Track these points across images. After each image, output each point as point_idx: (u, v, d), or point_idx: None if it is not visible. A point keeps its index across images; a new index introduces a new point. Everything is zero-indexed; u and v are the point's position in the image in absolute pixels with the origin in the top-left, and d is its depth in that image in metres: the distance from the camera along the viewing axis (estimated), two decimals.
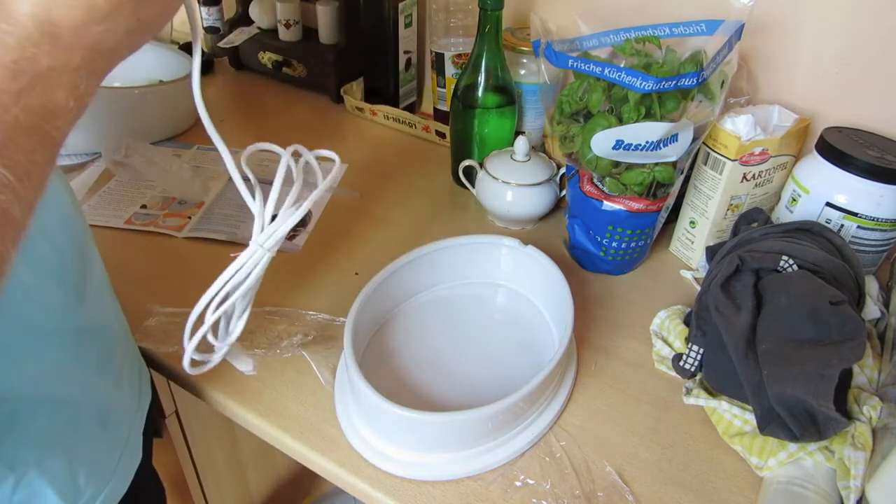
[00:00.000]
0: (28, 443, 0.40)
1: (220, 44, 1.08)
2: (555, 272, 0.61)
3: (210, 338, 0.47)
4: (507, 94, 0.80)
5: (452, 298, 0.67)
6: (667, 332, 0.63)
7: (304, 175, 0.44)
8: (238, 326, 0.48)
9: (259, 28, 1.08)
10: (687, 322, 0.63)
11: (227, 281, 0.44)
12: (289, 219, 0.44)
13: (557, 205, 0.80)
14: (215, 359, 0.49)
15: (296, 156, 0.44)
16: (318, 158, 0.45)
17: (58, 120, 0.27)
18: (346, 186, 0.85)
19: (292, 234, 0.76)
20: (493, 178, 0.76)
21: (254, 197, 0.43)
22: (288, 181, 0.43)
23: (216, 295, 0.44)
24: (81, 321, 0.44)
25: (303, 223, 0.78)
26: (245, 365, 0.54)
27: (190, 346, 0.45)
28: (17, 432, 0.39)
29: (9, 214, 0.25)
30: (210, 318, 0.45)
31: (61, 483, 0.42)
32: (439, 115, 0.98)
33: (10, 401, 0.39)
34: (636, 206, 0.66)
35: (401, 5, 0.93)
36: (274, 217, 0.45)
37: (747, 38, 0.60)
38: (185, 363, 0.46)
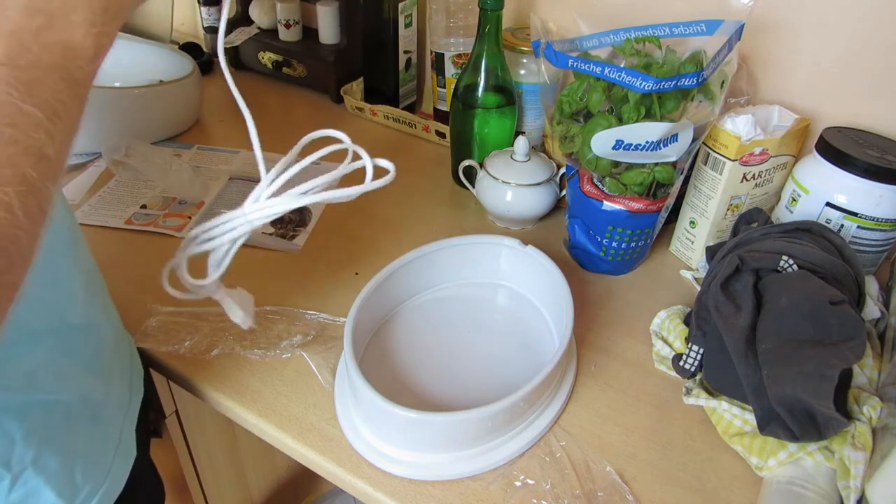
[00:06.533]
0: (23, 441, 0.40)
1: None
2: (555, 272, 0.61)
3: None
4: (507, 94, 0.80)
5: (452, 298, 0.67)
6: (667, 332, 0.63)
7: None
8: (216, 272, 0.46)
9: (259, 28, 1.08)
10: (687, 322, 0.63)
11: (211, 228, 0.43)
12: (290, 202, 0.43)
13: (557, 205, 0.80)
14: (202, 289, 0.46)
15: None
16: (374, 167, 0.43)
17: (78, 59, 0.28)
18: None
19: (292, 235, 0.76)
20: (493, 178, 0.76)
21: (266, 170, 0.42)
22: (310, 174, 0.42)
23: (203, 231, 0.43)
24: (72, 320, 0.44)
25: (302, 223, 0.78)
26: (235, 314, 0.51)
27: (181, 257, 0.42)
28: (12, 430, 0.39)
29: (43, 153, 0.26)
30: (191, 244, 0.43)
31: (58, 481, 0.42)
32: (439, 115, 0.98)
33: (2, 399, 0.39)
34: (636, 206, 0.66)
35: (401, 5, 0.93)
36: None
37: (747, 38, 0.60)
38: (165, 273, 0.43)
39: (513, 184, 0.75)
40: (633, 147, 0.60)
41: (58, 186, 0.28)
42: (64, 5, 0.27)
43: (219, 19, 0.38)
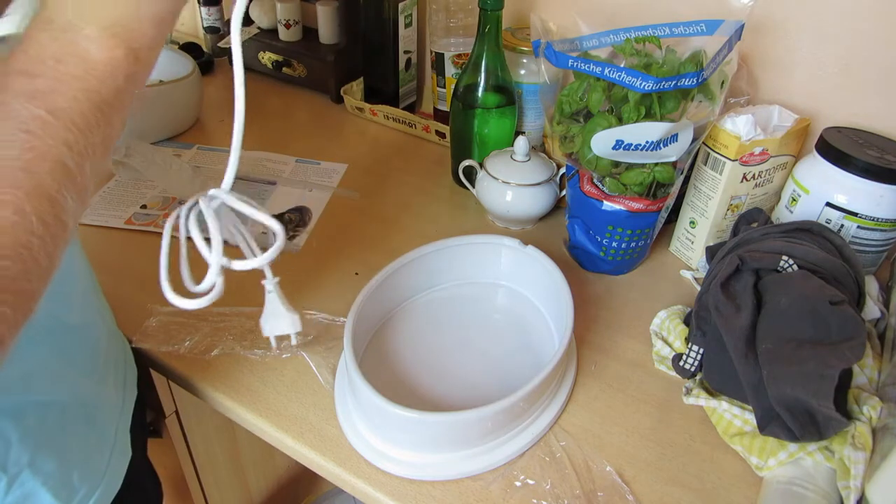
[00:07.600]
0: (19, 443, 0.40)
1: (220, 44, 1.08)
2: (555, 272, 0.61)
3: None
4: (507, 94, 0.80)
5: (452, 298, 0.67)
6: (667, 332, 0.63)
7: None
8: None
9: (259, 28, 1.08)
10: (687, 322, 0.63)
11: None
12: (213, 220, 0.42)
13: (557, 205, 0.80)
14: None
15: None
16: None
17: (97, 73, 0.29)
18: (347, 186, 0.85)
19: (292, 235, 0.76)
20: (493, 178, 0.76)
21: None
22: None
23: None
24: (68, 321, 0.44)
25: (302, 223, 0.78)
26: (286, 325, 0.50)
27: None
28: (8, 433, 0.39)
29: (61, 162, 0.27)
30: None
31: (55, 483, 0.42)
32: (439, 115, 0.98)
33: None
34: (636, 206, 0.66)
35: (401, 5, 0.93)
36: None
37: (747, 38, 0.60)
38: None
39: (513, 184, 0.75)
40: (633, 147, 0.60)
41: (82, 203, 0.28)
42: (74, 19, 0.27)
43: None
